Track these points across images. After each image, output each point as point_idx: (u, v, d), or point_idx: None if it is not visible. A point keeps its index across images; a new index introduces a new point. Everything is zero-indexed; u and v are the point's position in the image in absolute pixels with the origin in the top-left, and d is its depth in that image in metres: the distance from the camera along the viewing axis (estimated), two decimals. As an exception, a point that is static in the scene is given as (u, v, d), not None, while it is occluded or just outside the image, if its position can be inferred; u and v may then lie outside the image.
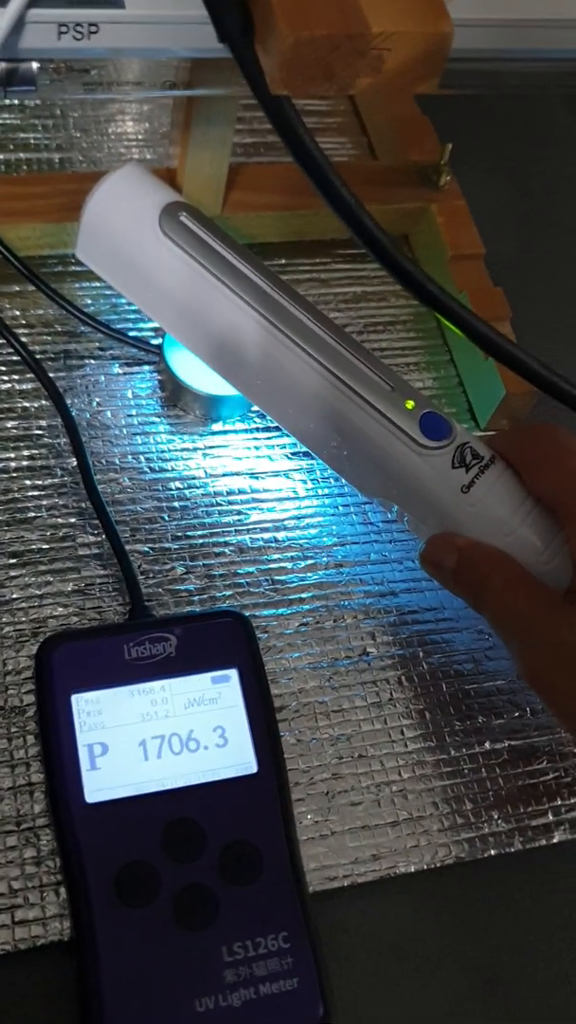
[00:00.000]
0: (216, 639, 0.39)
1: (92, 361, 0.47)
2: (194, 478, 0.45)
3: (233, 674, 0.39)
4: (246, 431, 0.47)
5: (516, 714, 0.42)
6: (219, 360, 0.42)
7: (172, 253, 0.40)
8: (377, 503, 0.41)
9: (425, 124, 0.53)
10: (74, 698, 0.37)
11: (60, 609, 0.41)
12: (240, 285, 0.40)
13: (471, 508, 0.38)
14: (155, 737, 0.37)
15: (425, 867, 0.39)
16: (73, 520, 0.43)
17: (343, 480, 0.43)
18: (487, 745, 0.41)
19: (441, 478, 0.38)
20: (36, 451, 0.44)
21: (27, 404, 0.45)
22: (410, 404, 0.39)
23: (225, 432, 0.47)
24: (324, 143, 0.55)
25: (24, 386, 0.45)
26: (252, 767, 0.37)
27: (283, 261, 0.51)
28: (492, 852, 0.39)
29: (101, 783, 0.36)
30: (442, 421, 0.39)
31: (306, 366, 0.39)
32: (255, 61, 0.30)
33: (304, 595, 0.43)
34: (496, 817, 0.40)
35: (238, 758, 0.37)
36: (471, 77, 0.36)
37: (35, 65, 0.32)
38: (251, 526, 0.44)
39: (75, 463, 0.43)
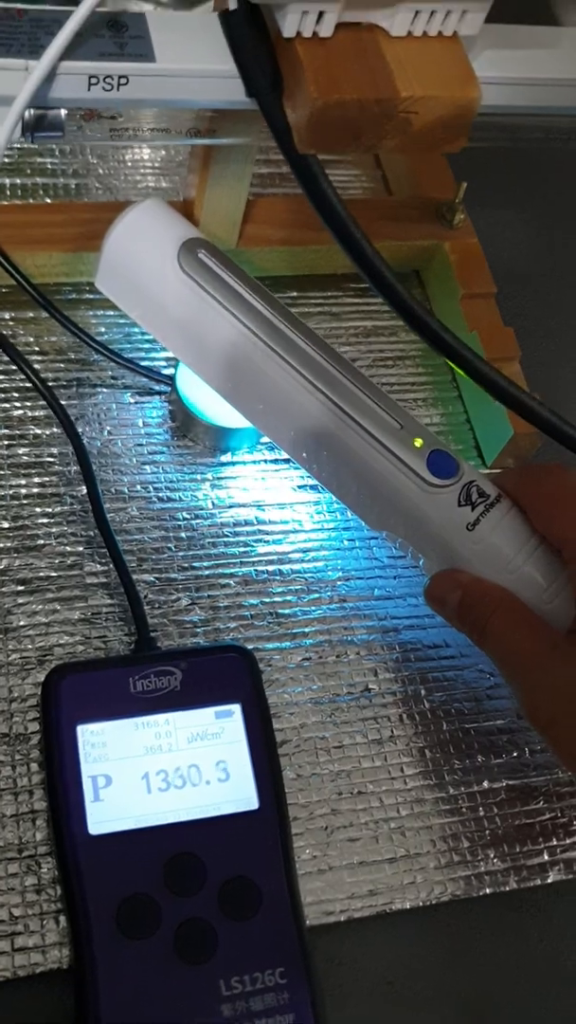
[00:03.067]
0: (220, 673, 0.40)
1: (104, 390, 0.47)
2: (201, 508, 0.45)
3: (237, 709, 0.39)
4: (254, 463, 0.47)
5: (515, 754, 0.42)
6: (231, 392, 0.42)
7: (190, 289, 0.40)
8: (383, 536, 0.42)
9: (441, 161, 0.53)
10: (79, 729, 0.38)
11: (66, 637, 0.41)
12: (254, 321, 0.40)
13: (476, 545, 0.39)
14: (158, 771, 0.38)
15: (421, 904, 0.39)
16: (81, 548, 0.43)
17: (350, 513, 0.43)
18: (485, 784, 0.42)
19: (447, 515, 0.39)
20: (47, 478, 0.45)
21: (39, 431, 0.45)
22: (418, 442, 0.40)
23: (233, 463, 0.47)
24: (338, 176, 0.56)
25: (36, 413, 0.46)
26: (253, 803, 0.38)
27: (295, 294, 0.51)
28: (487, 890, 0.40)
29: (104, 815, 0.36)
30: (449, 459, 0.40)
31: (317, 402, 0.40)
32: (283, 117, 0.30)
33: (307, 629, 0.44)
34: (492, 856, 0.40)
35: (240, 793, 0.38)
36: (493, 129, 0.37)
37: (63, 112, 0.33)
38: (256, 558, 0.45)
39: (85, 491, 0.44)
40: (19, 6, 0.31)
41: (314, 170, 0.31)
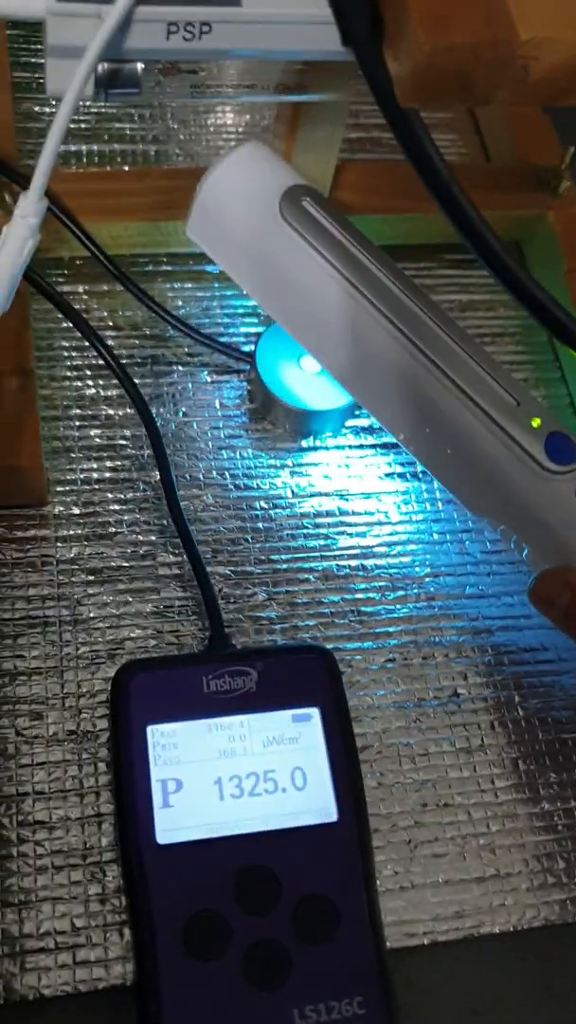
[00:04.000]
0: (299, 675, 0.37)
1: (180, 368, 0.45)
2: (280, 498, 0.43)
3: (315, 713, 0.37)
4: (338, 448, 0.44)
5: (616, 770, 0.39)
6: (327, 357, 0.39)
7: (291, 240, 0.37)
8: (486, 524, 0.38)
9: (544, 124, 0.49)
10: (150, 729, 0.35)
11: (138, 631, 0.39)
12: (359, 278, 0.37)
13: None
14: (231, 776, 0.35)
15: (511, 928, 0.36)
16: (154, 538, 0.41)
17: (440, 504, 0.40)
18: (583, 801, 0.39)
19: (562, 506, 0.36)
20: (119, 462, 0.42)
21: (112, 412, 0.43)
22: (536, 422, 0.36)
23: (315, 449, 0.44)
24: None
25: (109, 392, 0.44)
26: (332, 815, 0.35)
27: (385, 266, 0.48)
28: (583, 916, 0.37)
29: (174, 823, 0.34)
30: (570, 443, 0.36)
31: (427, 373, 0.36)
32: (383, 68, 0.27)
33: (392, 629, 0.41)
34: (590, 879, 0.37)
35: (318, 804, 0.35)
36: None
37: (139, 66, 0.30)
38: (338, 552, 0.42)
39: (158, 477, 0.41)
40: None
41: (415, 127, 0.28)
